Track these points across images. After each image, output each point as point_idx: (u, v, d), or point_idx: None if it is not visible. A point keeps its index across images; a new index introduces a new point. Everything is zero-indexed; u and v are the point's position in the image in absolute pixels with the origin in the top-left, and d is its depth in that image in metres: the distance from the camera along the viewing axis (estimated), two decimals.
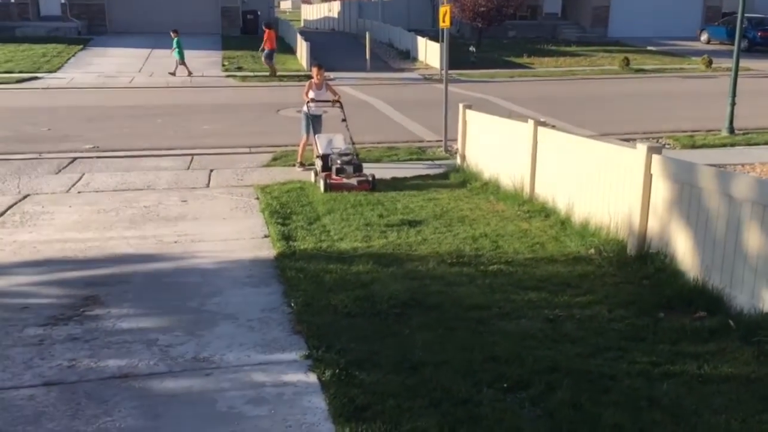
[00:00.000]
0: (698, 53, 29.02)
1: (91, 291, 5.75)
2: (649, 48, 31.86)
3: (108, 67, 24.28)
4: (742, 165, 10.78)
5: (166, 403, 4.05)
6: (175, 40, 22.29)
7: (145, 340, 4.86)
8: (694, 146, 12.58)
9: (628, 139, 12.52)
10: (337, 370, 4.28)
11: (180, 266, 6.46)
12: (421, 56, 27.93)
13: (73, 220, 7.91)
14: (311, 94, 10.47)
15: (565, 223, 7.37)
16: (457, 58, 23.42)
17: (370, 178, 9.22)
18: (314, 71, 10.76)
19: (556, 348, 4.67)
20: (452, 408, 3.87)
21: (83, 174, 10.30)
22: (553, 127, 8.77)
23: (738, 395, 4.01)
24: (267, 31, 23.13)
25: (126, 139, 13.15)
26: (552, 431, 3.65)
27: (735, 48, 13.77)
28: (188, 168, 10.94)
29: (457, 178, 9.96)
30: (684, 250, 5.84)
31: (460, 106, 10.46)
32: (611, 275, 6.06)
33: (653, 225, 6.20)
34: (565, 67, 26.43)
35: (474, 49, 27.52)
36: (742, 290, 5.22)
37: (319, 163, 9.64)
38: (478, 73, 24.33)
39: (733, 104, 13.58)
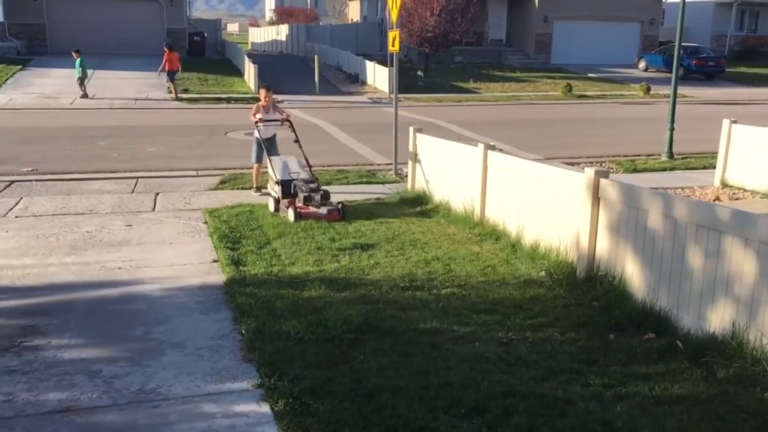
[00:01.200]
0: (637, 80, 30.02)
1: (29, 320, 5.50)
2: (590, 75, 32.78)
3: (48, 88, 23.62)
4: (682, 188, 11.11)
5: None
6: (78, 60, 21.77)
7: (87, 371, 4.66)
8: (635, 170, 12.90)
9: (573, 163, 12.77)
10: (291, 399, 4.19)
11: (124, 293, 6.25)
12: (369, 80, 28.10)
13: (10, 246, 7.59)
14: (259, 116, 10.24)
15: (515, 245, 7.43)
16: (405, 83, 23.64)
17: (339, 207, 8.91)
18: (262, 93, 10.54)
19: (510, 372, 4.66)
20: None
21: (21, 198, 9.92)
22: (502, 150, 8.89)
23: (689, 416, 4.07)
24: (167, 52, 22.66)
25: (67, 162, 12.75)
26: None
27: (673, 76, 14.26)
28: (133, 191, 10.66)
29: (408, 201, 9.97)
30: (632, 271, 5.94)
31: (411, 129, 10.50)
32: (562, 297, 6.12)
33: (601, 247, 6.31)
34: (510, 93, 26.96)
35: (422, 74, 27.85)
36: (688, 311, 5.33)
37: (277, 189, 9.13)
38: (426, 97, 24.59)
39: (672, 130, 14.02)
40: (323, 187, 9.21)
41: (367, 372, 4.61)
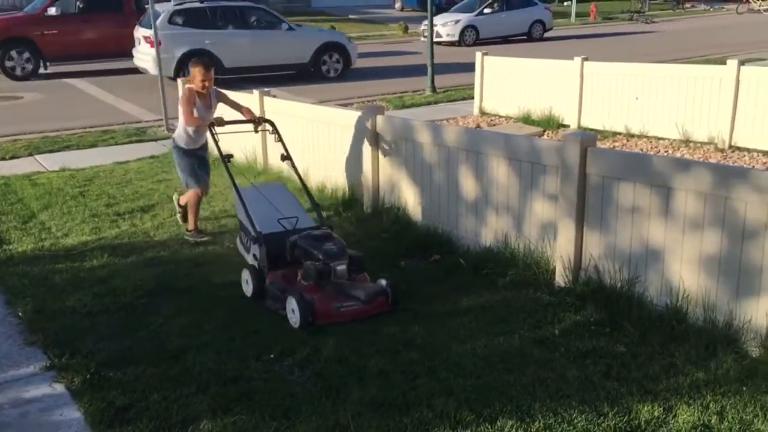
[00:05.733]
0: (395, 20, 31.25)
1: None
2: (350, 16, 33.45)
3: None
4: (447, 119, 11.88)
5: None
6: None
7: None
8: (404, 106, 13.53)
9: (346, 104, 13.08)
10: (88, 375, 3.91)
11: None
12: None
13: None
14: (196, 113, 5.95)
15: (302, 190, 7.47)
16: None
17: (388, 288, 4.72)
18: (197, 73, 5.87)
19: None
20: (222, 389, 3.76)
21: None
22: (275, 96, 8.80)
23: (478, 323, 4.46)
24: None
25: None
26: (323, 389, 3.73)
27: (429, 14, 15.02)
28: None
29: None
30: (414, 201, 6.29)
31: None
32: (352, 234, 6.30)
33: (384, 181, 6.58)
34: None
35: None
36: (466, 231, 5.79)
37: (258, 253, 5.07)
38: None
39: (432, 65, 14.86)
40: (347, 247, 4.89)
41: (168, 334, 4.44)
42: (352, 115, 6.89)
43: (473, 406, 3.51)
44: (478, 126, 11.24)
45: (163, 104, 11.48)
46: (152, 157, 9.73)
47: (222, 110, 6.24)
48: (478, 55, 12.26)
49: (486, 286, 5.00)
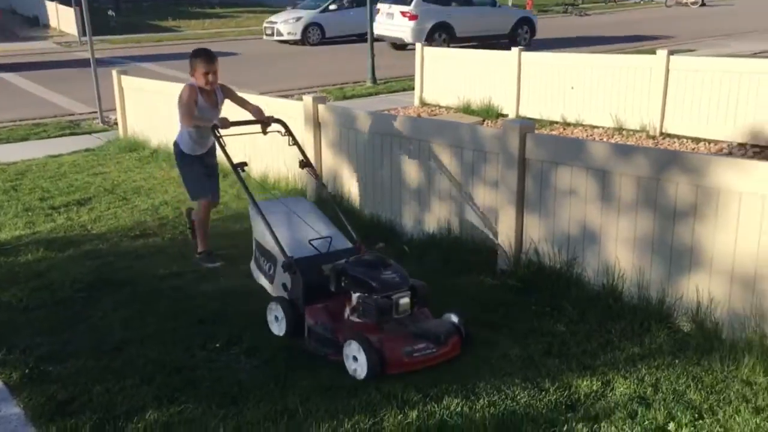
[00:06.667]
0: None
1: None
2: (288, 8, 33.12)
3: None
4: (388, 110, 11.94)
5: None
6: None
7: None
8: (345, 97, 13.54)
9: (286, 96, 12.96)
10: (27, 370, 3.81)
11: None
12: (53, 22, 25.36)
13: None
14: (199, 113, 5.16)
15: (245, 180, 7.40)
16: (95, 24, 21.64)
17: (460, 323, 3.95)
18: (199, 65, 5.14)
19: (262, 300, 4.71)
20: (167, 379, 3.71)
21: None
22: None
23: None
24: None
25: None
26: (271, 376, 3.72)
27: (368, 12, 15.03)
28: None
29: (123, 148, 9.35)
30: (357, 189, 6.31)
31: (114, 72, 9.77)
32: None
33: (327, 169, 6.58)
34: (213, 29, 26.29)
35: (113, 14, 25.86)
36: (409, 218, 5.85)
37: (291, 282, 4.20)
38: (121, 38, 22.93)
39: (372, 57, 14.89)
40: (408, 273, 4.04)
41: (109, 327, 4.36)
42: (293, 105, 6.86)
43: (420, 386, 3.56)
44: (419, 116, 11.33)
45: (97, 96, 11.19)
46: (87, 150, 9.49)
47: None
48: (418, 46, 12.34)
49: (431, 272, 5.04)
